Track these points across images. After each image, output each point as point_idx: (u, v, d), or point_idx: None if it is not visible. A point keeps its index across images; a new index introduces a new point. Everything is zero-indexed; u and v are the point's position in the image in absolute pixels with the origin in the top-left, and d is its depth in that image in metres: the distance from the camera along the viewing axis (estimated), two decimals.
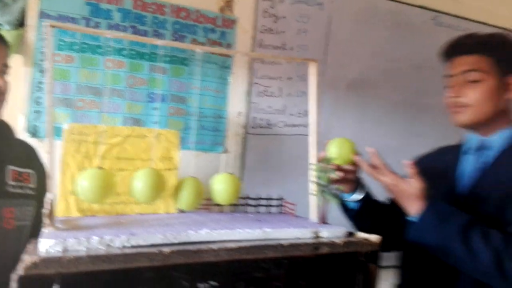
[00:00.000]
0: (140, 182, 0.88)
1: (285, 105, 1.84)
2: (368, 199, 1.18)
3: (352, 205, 1.18)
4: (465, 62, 1.13)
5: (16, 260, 1.07)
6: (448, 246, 0.99)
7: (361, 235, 0.96)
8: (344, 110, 1.94)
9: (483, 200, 1.07)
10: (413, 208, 1.04)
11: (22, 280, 0.60)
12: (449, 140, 1.98)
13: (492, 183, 1.09)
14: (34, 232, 1.10)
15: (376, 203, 1.22)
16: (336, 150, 1.08)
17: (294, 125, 1.87)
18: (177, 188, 0.96)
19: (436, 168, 1.22)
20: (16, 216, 1.09)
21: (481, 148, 1.16)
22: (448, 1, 2.19)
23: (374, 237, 0.94)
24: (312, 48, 1.88)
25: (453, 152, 1.24)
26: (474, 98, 1.11)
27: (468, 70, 1.12)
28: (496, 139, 1.14)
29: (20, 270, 0.61)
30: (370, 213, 1.18)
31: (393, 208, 1.15)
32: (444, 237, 1.00)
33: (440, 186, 1.14)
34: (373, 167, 1.07)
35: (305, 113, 1.76)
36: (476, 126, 1.15)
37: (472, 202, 1.09)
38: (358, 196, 1.16)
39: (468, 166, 1.18)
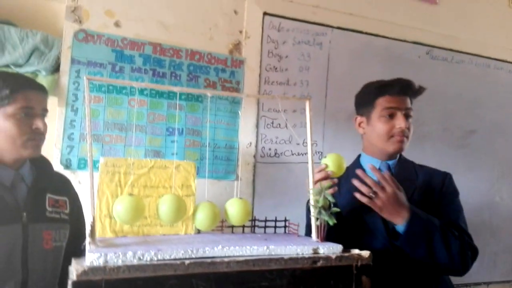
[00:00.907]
0: (164, 206, 1.04)
1: (290, 135, 2.01)
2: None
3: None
4: (406, 101, 1.41)
5: (54, 276, 1.23)
6: (434, 245, 1.24)
7: (355, 251, 1.09)
8: (344, 139, 2.09)
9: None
10: (402, 215, 1.24)
11: (75, 284, 0.76)
12: (450, 164, 2.10)
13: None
14: (68, 252, 1.26)
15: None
16: (330, 163, 1.25)
17: (299, 154, 2.03)
18: (195, 212, 1.11)
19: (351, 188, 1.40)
20: (54, 238, 1.25)
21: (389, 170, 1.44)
22: (440, 36, 2.35)
23: (365, 253, 1.08)
24: (313, 83, 2.06)
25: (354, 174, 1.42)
26: (410, 131, 1.41)
27: (409, 108, 1.40)
28: (393, 163, 1.46)
29: (73, 276, 0.77)
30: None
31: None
32: (430, 238, 1.23)
33: (366, 210, 1.34)
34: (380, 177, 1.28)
35: None
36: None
37: None
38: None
39: None
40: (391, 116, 1.39)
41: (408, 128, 1.39)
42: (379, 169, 1.41)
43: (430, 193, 1.40)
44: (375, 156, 1.46)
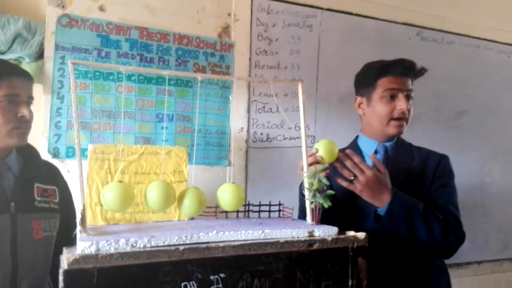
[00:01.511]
0: (153, 193, 1.02)
1: (282, 119, 1.99)
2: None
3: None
4: (408, 82, 1.39)
5: (45, 266, 1.21)
6: (415, 229, 1.23)
7: (350, 233, 1.09)
8: (337, 121, 2.08)
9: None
10: (383, 199, 1.23)
11: (67, 273, 0.74)
12: (441, 145, 2.12)
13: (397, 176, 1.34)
14: (59, 241, 1.24)
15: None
16: (321, 149, 1.23)
17: (292, 138, 2.01)
18: (180, 198, 1.08)
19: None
20: (44, 228, 1.22)
21: (386, 152, 1.43)
22: (430, 17, 2.34)
23: (361, 234, 1.07)
24: (304, 66, 2.04)
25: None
26: (411, 113, 1.38)
27: (410, 89, 1.38)
28: (391, 144, 1.44)
29: (64, 265, 0.75)
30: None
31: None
32: (411, 222, 1.23)
33: None
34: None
35: None
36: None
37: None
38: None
39: None
40: (392, 97, 1.37)
41: (409, 110, 1.37)
42: (376, 152, 1.41)
43: (425, 175, 1.40)
44: (373, 137, 1.44)
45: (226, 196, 1.13)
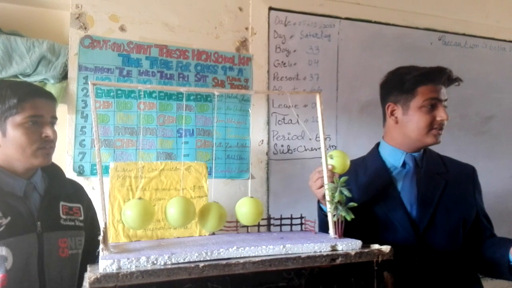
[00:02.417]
0: (172, 209, 1.02)
1: (303, 131, 1.97)
2: None
3: None
4: (445, 91, 1.34)
5: (71, 284, 1.22)
6: None
7: (375, 246, 1.06)
8: (359, 130, 2.05)
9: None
10: None
11: None
12: (468, 152, 2.05)
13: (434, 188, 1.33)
14: (84, 258, 1.25)
15: None
16: (333, 160, 1.20)
17: (313, 149, 1.99)
18: (201, 213, 1.07)
19: (367, 179, 1.38)
20: (69, 246, 1.24)
21: (415, 163, 1.37)
22: (452, 21, 2.29)
23: (386, 247, 1.04)
24: (324, 76, 2.02)
25: (379, 167, 1.39)
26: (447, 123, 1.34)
27: (446, 99, 1.33)
28: (419, 155, 1.38)
29: (86, 284, 0.76)
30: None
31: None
32: None
33: (389, 199, 1.32)
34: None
35: None
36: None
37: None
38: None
39: (411, 179, 1.35)
40: (433, 107, 1.31)
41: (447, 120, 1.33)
42: (404, 163, 1.36)
43: (462, 185, 1.36)
44: (401, 147, 1.37)
45: (245, 211, 1.12)
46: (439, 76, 1.32)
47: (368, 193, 1.33)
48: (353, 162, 1.41)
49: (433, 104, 1.31)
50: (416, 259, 1.26)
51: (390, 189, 1.34)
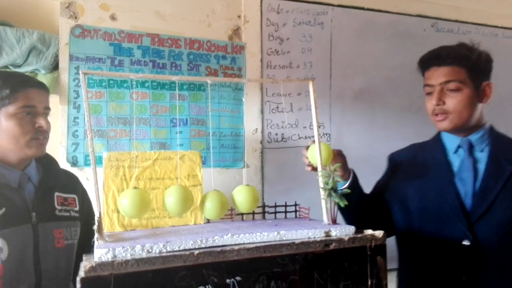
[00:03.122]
0: (170, 198, 1.03)
1: (297, 119, 1.97)
2: (356, 186, 1.31)
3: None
4: (442, 73, 1.26)
5: (68, 274, 1.23)
6: None
7: (368, 231, 1.07)
8: (352, 118, 2.05)
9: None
10: None
11: (84, 281, 0.75)
12: None
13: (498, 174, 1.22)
14: (80, 248, 1.26)
15: (362, 191, 1.37)
16: (312, 154, 1.20)
17: (307, 137, 2.00)
18: (203, 201, 1.10)
19: (418, 163, 1.35)
20: (65, 236, 1.24)
21: (470, 147, 1.29)
22: (445, 7, 2.28)
23: (379, 233, 1.05)
24: (317, 64, 2.02)
25: (436, 151, 1.35)
26: (454, 105, 1.25)
27: (447, 81, 1.25)
28: (477, 138, 1.29)
29: (81, 272, 0.76)
30: (358, 200, 1.30)
31: (376, 198, 1.37)
32: None
33: (440, 182, 1.28)
34: None
35: None
36: (457, 130, 1.29)
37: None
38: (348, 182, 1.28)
39: (468, 163, 1.28)
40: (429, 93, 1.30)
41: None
42: (458, 147, 1.30)
43: None
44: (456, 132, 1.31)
45: (241, 198, 1.13)
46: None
47: (420, 177, 1.31)
48: (417, 145, 1.43)
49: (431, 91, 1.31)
50: (468, 243, 1.20)
51: (443, 173, 1.29)
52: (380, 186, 1.46)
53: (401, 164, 1.42)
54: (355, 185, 1.30)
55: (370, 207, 1.37)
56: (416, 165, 1.36)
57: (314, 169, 1.23)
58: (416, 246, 1.32)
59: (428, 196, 1.30)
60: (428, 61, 1.31)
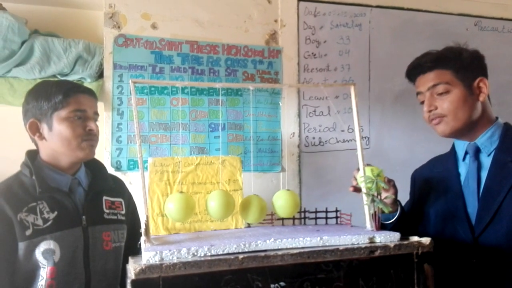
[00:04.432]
0: (213, 202, 1.04)
1: (334, 122, 1.95)
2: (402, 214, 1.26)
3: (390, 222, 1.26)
4: (428, 78, 1.24)
5: (115, 276, 1.27)
6: None
7: (414, 238, 1.04)
8: (392, 121, 2.01)
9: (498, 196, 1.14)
10: None
11: (134, 283, 0.78)
12: None
13: (503, 178, 1.15)
14: (126, 251, 1.29)
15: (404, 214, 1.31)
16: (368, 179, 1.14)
17: (345, 141, 1.97)
18: (243, 205, 1.11)
19: (433, 179, 1.31)
20: (113, 239, 1.28)
21: (476, 152, 1.23)
22: (488, 5, 2.20)
23: (426, 239, 1.02)
24: (355, 66, 1.99)
25: (449, 161, 1.31)
26: (447, 107, 1.20)
27: (433, 85, 1.22)
28: (484, 140, 1.22)
29: (131, 275, 0.79)
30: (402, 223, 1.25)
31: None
32: None
33: (450, 195, 1.24)
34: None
35: None
36: (459, 133, 1.23)
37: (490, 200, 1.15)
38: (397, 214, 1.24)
39: (472, 171, 1.23)
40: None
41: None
42: (466, 153, 1.25)
43: None
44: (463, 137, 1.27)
45: (282, 203, 1.13)
46: None
47: (435, 194, 1.28)
48: (436, 158, 1.39)
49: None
50: (474, 261, 1.15)
51: (452, 179, 1.26)
52: (406, 210, 1.40)
53: (420, 184, 1.38)
54: (402, 216, 1.26)
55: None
56: (432, 183, 1.31)
57: (357, 190, 1.20)
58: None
59: (441, 213, 1.25)
60: (413, 71, 1.29)
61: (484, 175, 1.19)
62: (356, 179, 1.21)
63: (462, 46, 1.27)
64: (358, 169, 1.21)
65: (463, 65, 1.22)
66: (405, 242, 1.01)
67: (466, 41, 1.29)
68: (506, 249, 1.11)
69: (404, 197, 1.40)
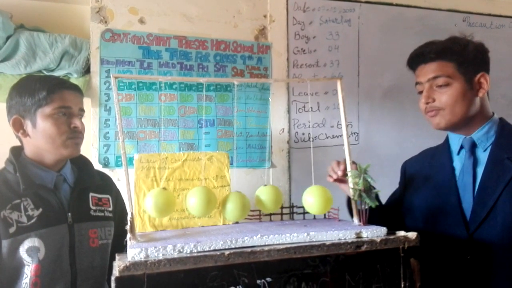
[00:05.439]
0: (193, 199, 1.02)
1: (324, 118, 1.96)
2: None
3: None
4: (429, 69, 1.20)
5: (102, 273, 1.26)
6: None
7: (400, 233, 1.04)
8: (381, 117, 2.02)
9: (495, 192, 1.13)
10: None
11: (118, 280, 0.77)
12: None
13: (499, 175, 1.14)
14: (114, 248, 1.28)
15: (382, 207, 1.31)
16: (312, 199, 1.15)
17: (334, 136, 1.97)
18: (224, 203, 1.08)
19: (425, 172, 1.30)
20: (99, 236, 1.27)
21: (472, 146, 1.21)
22: (477, 1, 2.21)
23: (412, 234, 1.02)
24: (344, 62, 1.99)
25: (442, 154, 1.29)
26: (445, 101, 1.18)
27: (434, 77, 1.19)
28: (481, 136, 1.20)
29: (116, 272, 0.78)
30: (380, 217, 1.24)
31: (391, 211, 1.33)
32: None
33: (443, 189, 1.22)
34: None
35: None
36: (454, 126, 1.22)
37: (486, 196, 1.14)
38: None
39: (467, 165, 1.21)
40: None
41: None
42: (461, 147, 1.23)
43: None
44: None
45: (264, 199, 1.12)
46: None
47: (427, 187, 1.26)
48: (428, 150, 1.38)
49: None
50: (468, 257, 1.14)
51: (446, 173, 1.24)
52: (394, 199, 1.41)
53: (410, 175, 1.37)
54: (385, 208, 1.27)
55: (386, 221, 1.25)
56: (423, 175, 1.30)
57: (336, 180, 1.22)
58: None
59: (433, 207, 1.24)
60: (415, 60, 1.26)
61: (480, 171, 1.18)
62: (334, 171, 1.23)
63: (467, 37, 1.24)
64: (338, 162, 1.23)
65: (467, 58, 1.19)
66: (392, 237, 1.01)
67: (472, 33, 1.26)
68: (501, 246, 1.10)
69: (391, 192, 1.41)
